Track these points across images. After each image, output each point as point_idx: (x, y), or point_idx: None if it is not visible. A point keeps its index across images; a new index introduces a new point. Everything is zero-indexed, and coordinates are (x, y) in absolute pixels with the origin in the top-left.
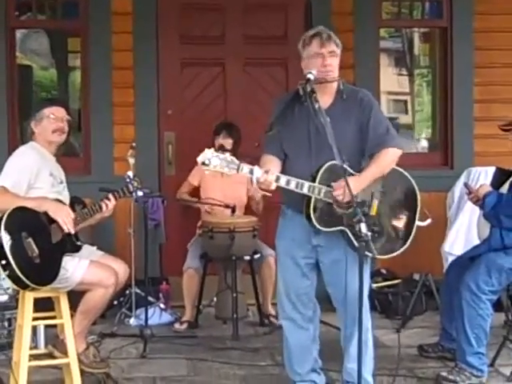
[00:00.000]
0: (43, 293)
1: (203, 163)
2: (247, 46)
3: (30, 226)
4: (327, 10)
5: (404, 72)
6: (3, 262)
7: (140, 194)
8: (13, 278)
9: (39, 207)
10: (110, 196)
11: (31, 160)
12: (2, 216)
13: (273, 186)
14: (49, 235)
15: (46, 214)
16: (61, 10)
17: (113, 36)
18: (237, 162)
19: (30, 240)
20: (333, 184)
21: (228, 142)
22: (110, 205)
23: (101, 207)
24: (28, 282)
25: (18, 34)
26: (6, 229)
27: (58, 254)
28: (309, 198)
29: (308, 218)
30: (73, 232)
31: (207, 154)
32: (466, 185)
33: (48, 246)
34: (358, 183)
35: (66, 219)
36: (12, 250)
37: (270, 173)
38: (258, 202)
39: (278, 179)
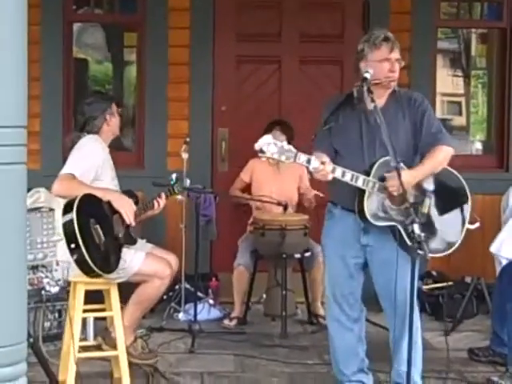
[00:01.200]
0: (95, 285)
1: (261, 150)
2: (303, 44)
3: (97, 213)
4: (385, 9)
5: (459, 73)
6: (72, 245)
7: (179, 197)
8: (80, 262)
9: (105, 197)
10: (163, 195)
11: (98, 153)
12: (74, 200)
13: (329, 177)
14: (111, 225)
15: (108, 204)
16: (118, 4)
17: (169, 31)
18: (294, 150)
19: (98, 227)
20: (386, 175)
21: (281, 139)
22: (161, 203)
23: (153, 205)
24: (95, 268)
25: (75, 27)
26: (77, 213)
27: (119, 244)
28: (361, 194)
29: (361, 212)
30: (134, 224)
31: (266, 140)
32: None
33: (111, 235)
34: (411, 177)
35: (128, 211)
36: (82, 234)
37: (327, 163)
38: (310, 200)
39: (334, 170)
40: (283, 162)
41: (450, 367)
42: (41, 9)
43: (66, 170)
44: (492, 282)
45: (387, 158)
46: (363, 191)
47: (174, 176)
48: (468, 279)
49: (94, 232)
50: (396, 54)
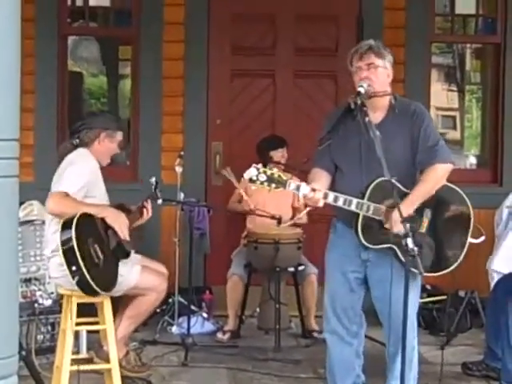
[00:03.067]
0: (88, 298)
1: (250, 179)
2: (298, 58)
3: (94, 232)
4: (379, 23)
5: (454, 88)
6: (73, 268)
7: (159, 202)
8: (81, 283)
9: (99, 214)
10: (145, 203)
11: (92, 169)
12: (71, 221)
13: (320, 204)
14: (107, 241)
15: (102, 220)
16: (113, 17)
17: (164, 45)
18: (284, 178)
19: (96, 246)
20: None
21: (285, 157)
22: (149, 211)
23: (142, 214)
24: (96, 288)
25: (70, 40)
26: (76, 235)
27: (115, 260)
28: (358, 214)
29: (356, 233)
30: (128, 239)
31: (253, 171)
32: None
33: (107, 252)
34: (408, 207)
35: (122, 226)
36: (82, 256)
37: (317, 190)
38: (300, 218)
39: (326, 196)
40: (274, 189)
41: (443, 381)
42: (35, 22)
43: (59, 187)
44: (486, 295)
45: (383, 178)
46: (359, 215)
47: (153, 180)
48: (462, 293)
49: (93, 251)
50: (367, 60)
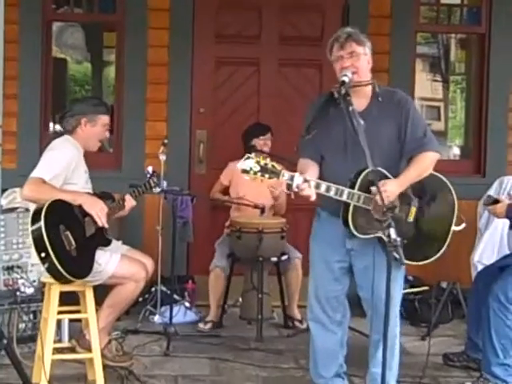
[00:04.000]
0: (70, 286)
1: (244, 170)
2: (282, 47)
3: (67, 219)
4: (365, 12)
5: (438, 78)
6: (43, 254)
7: (158, 190)
8: (51, 270)
9: (75, 201)
10: (129, 196)
11: (70, 155)
12: (42, 208)
13: (313, 198)
14: (83, 229)
15: (79, 207)
16: (97, 4)
17: (149, 32)
18: (278, 168)
19: (68, 233)
20: (372, 189)
21: (268, 145)
22: (130, 203)
23: (123, 204)
24: (66, 275)
25: (55, 27)
26: (45, 221)
27: (91, 247)
28: (347, 204)
29: (346, 223)
30: (106, 226)
31: (248, 163)
32: (488, 197)
33: (83, 239)
34: (396, 187)
35: (100, 213)
36: (51, 242)
37: (310, 181)
38: (281, 204)
39: (318, 186)
40: (267, 180)
41: (425, 372)
42: (19, 7)
43: (35, 173)
44: (468, 287)
45: (373, 168)
46: (348, 204)
47: (150, 169)
48: (444, 284)
49: (65, 238)
50: (348, 49)
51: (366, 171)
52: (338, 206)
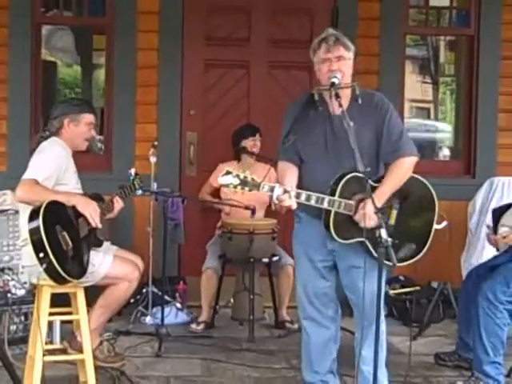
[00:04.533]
0: (61, 288)
1: (224, 185)
2: (272, 49)
3: (62, 220)
4: (354, 15)
5: (428, 80)
6: (41, 254)
7: (139, 192)
8: (50, 270)
9: (68, 202)
10: (118, 198)
11: (60, 156)
12: (39, 208)
13: (294, 205)
14: (77, 229)
15: (73, 208)
16: (87, 7)
17: (138, 35)
18: (258, 181)
19: (65, 233)
20: (355, 218)
21: (257, 146)
22: (119, 204)
23: (113, 207)
24: (65, 275)
25: (44, 30)
26: (43, 222)
27: (85, 248)
28: (328, 212)
29: (327, 228)
30: (100, 226)
31: (228, 178)
32: (488, 227)
33: (78, 239)
34: (380, 199)
35: (93, 214)
36: (50, 242)
37: (290, 191)
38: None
39: (298, 196)
40: (247, 191)
41: (416, 372)
42: (8, 10)
43: (28, 175)
44: (458, 287)
45: (353, 174)
46: (329, 211)
47: (132, 171)
48: (435, 284)
49: (62, 239)
50: (336, 53)
51: (347, 177)
52: (317, 208)
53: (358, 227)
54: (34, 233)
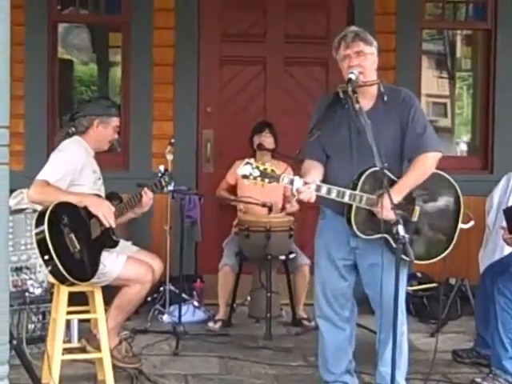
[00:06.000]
0: (78, 287)
1: (244, 175)
2: (288, 45)
3: (72, 221)
4: (370, 10)
5: (445, 75)
6: (46, 257)
7: (170, 188)
8: (54, 273)
9: (80, 202)
10: (146, 189)
11: (77, 157)
12: (46, 211)
13: (313, 199)
14: (89, 230)
15: (85, 208)
16: (103, 4)
17: (154, 32)
18: (277, 173)
19: (72, 236)
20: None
21: (270, 141)
22: (147, 198)
23: (139, 199)
24: (70, 278)
25: (60, 28)
26: (49, 224)
27: (97, 249)
28: (350, 207)
29: (349, 223)
30: (114, 226)
31: (248, 168)
32: (503, 229)
33: (88, 241)
34: (397, 194)
35: (106, 214)
36: (54, 245)
37: (310, 183)
38: (292, 206)
39: (318, 189)
40: (267, 183)
41: (434, 369)
42: (25, 9)
43: (41, 175)
44: (476, 283)
45: (375, 168)
46: (351, 205)
47: (162, 168)
48: (452, 281)
49: (69, 241)
50: (355, 48)
51: (368, 172)
52: (342, 204)
53: (379, 223)
54: (39, 235)
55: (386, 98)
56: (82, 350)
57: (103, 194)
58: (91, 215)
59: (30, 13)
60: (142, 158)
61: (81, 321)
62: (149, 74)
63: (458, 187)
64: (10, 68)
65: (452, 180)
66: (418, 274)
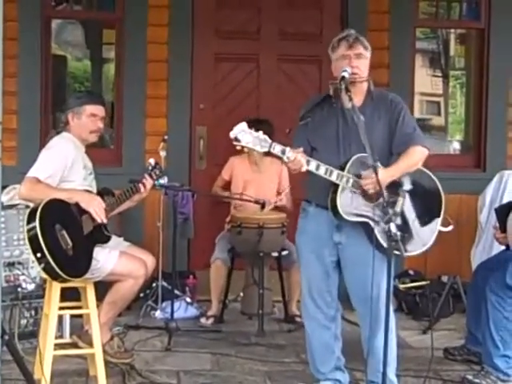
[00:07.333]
0: (71, 283)
1: (236, 138)
2: (282, 43)
3: (63, 218)
4: (363, 8)
5: (438, 73)
6: (38, 254)
7: (162, 181)
8: (47, 270)
9: (71, 199)
10: (146, 176)
11: (67, 153)
12: (37, 208)
13: (303, 168)
14: (80, 227)
15: (76, 205)
16: (97, 1)
17: (148, 29)
18: (269, 140)
19: (64, 232)
20: (362, 173)
21: None
22: (147, 184)
23: (137, 189)
24: (63, 275)
25: (54, 24)
26: (40, 222)
27: (89, 245)
28: (335, 190)
29: (334, 208)
30: (105, 221)
31: (241, 127)
32: (495, 228)
33: (80, 237)
34: (386, 175)
35: (98, 210)
36: (47, 242)
37: (300, 155)
38: (280, 199)
39: (308, 162)
40: (258, 151)
41: (425, 366)
42: (18, 4)
43: (31, 173)
44: (468, 281)
45: (362, 154)
46: (337, 187)
47: (152, 161)
48: (444, 278)
49: (61, 238)
50: (356, 50)
51: (356, 156)
52: (326, 197)
53: (365, 208)
54: (30, 233)
55: (374, 98)
56: (74, 346)
57: (95, 190)
58: (83, 211)
59: (23, 8)
60: (135, 154)
61: (73, 316)
62: (142, 71)
63: (441, 188)
64: (3, 63)
65: (437, 180)
66: (411, 272)
